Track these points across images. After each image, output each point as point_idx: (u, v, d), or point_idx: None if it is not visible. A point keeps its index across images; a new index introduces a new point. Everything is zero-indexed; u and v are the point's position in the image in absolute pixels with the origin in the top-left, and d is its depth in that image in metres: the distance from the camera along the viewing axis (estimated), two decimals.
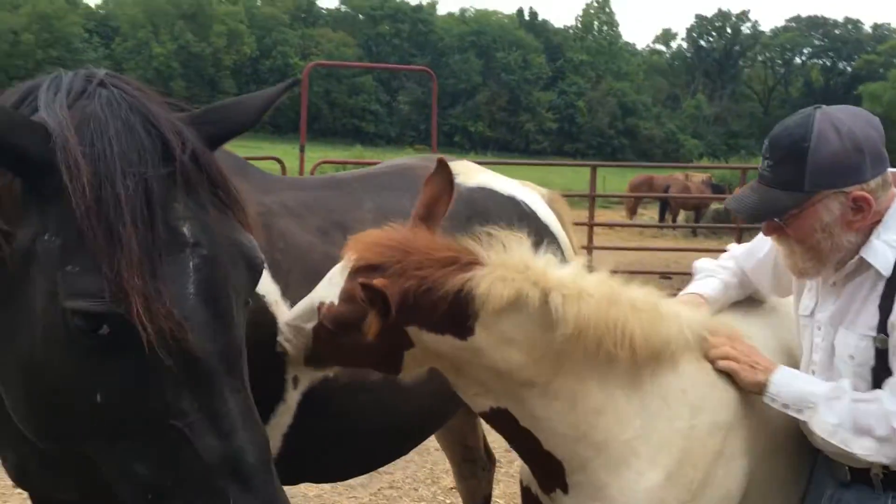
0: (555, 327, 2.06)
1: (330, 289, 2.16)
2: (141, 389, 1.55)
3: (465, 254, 2.11)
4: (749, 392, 2.29)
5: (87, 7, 71.74)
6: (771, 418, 2.33)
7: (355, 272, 2.10)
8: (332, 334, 2.13)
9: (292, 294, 2.43)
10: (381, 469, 5.42)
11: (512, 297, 2.04)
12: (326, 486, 5.18)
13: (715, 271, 2.69)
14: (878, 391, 2.16)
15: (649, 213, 26.91)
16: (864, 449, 2.15)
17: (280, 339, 2.26)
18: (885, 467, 2.20)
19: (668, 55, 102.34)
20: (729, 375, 2.30)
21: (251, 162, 2.88)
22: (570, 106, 75.94)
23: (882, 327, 2.14)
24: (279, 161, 9.78)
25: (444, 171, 2.33)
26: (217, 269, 1.63)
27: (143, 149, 1.61)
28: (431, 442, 5.92)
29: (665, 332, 2.20)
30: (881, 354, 2.15)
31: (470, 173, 3.18)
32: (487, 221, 2.94)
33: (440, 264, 2.06)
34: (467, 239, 2.16)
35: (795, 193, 2.16)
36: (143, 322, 1.48)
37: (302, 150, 9.92)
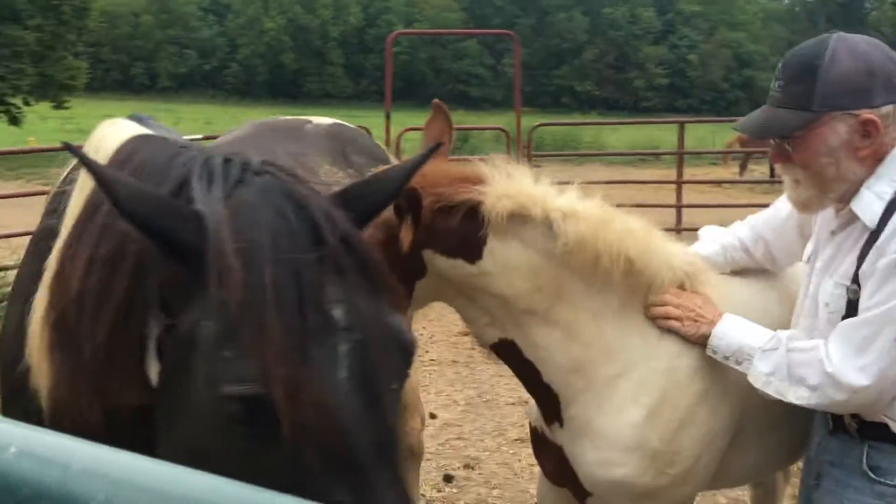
0: (554, 245, 2.25)
1: None
2: (297, 482, 1.52)
3: (474, 175, 2.34)
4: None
5: None
6: None
7: None
8: None
9: None
10: (450, 420, 5.69)
11: (515, 209, 2.26)
12: None
13: (716, 236, 2.69)
14: (816, 341, 2.16)
15: (760, 169, 25.89)
16: (799, 398, 2.17)
17: None
18: (855, 417, 2.21)
19: (787, 1, 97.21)
20: None
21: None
22: (681, 60, 73.37)
23: (856, 278, 2.13)
24: (366, 130, 10.03)
25: (442, 113, 2.58)
26: (370, 353, 1.60)
27: (294, 234, 1.61)
28: (502, 396, 6.14)
29: (655, 261, 2.35)
30: (852, 305, 2.13)
31: (321, 119, 3.69)
32: (354, 144, 3.40)
33: (453, 183, 2.31)
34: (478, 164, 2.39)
35: (803, 113, 2.12)
36: (289, 412, 1.46)
37: (387, 117, 10.18)
